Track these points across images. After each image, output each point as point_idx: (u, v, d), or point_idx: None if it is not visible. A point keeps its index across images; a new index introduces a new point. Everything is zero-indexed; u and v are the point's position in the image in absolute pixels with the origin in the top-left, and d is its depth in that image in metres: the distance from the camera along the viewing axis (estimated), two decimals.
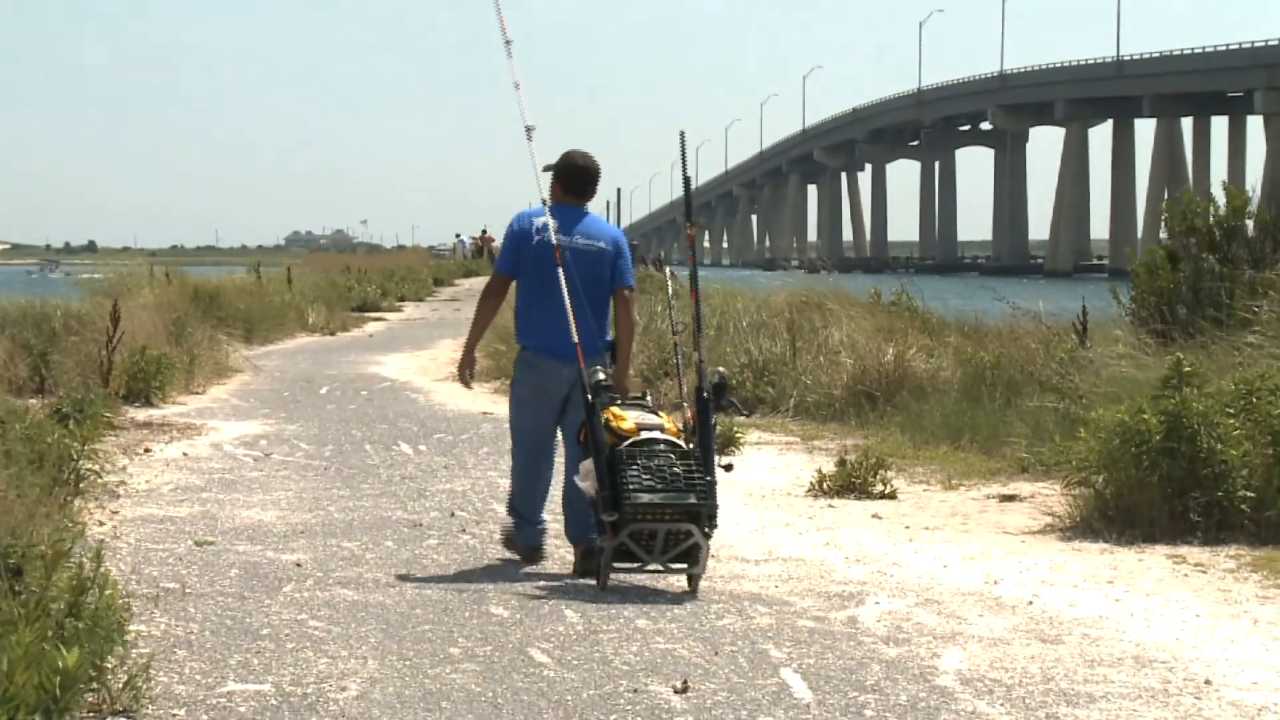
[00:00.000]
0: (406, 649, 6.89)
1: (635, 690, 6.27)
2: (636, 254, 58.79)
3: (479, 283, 53.80)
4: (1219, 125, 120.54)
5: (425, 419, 16.33)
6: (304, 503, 10.95)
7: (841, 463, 11.67)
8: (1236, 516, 9.49)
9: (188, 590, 8.00)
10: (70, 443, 10.29)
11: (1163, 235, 15.05)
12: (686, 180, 9.00)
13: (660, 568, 8.25)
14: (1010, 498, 11.20)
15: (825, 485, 11.50)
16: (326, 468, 12.77)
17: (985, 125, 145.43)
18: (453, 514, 10.49)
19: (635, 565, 8.25)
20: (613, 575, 8.30)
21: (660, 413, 8.66)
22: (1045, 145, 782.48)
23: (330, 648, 6.89)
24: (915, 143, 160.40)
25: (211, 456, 13.34)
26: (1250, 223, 14.63)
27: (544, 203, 9.05)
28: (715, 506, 8.23)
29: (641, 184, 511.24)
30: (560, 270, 8.75)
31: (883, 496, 11.31)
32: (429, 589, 8.13)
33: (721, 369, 9.21)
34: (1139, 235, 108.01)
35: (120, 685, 5.83)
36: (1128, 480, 9.69)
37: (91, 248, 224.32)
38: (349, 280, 43.03)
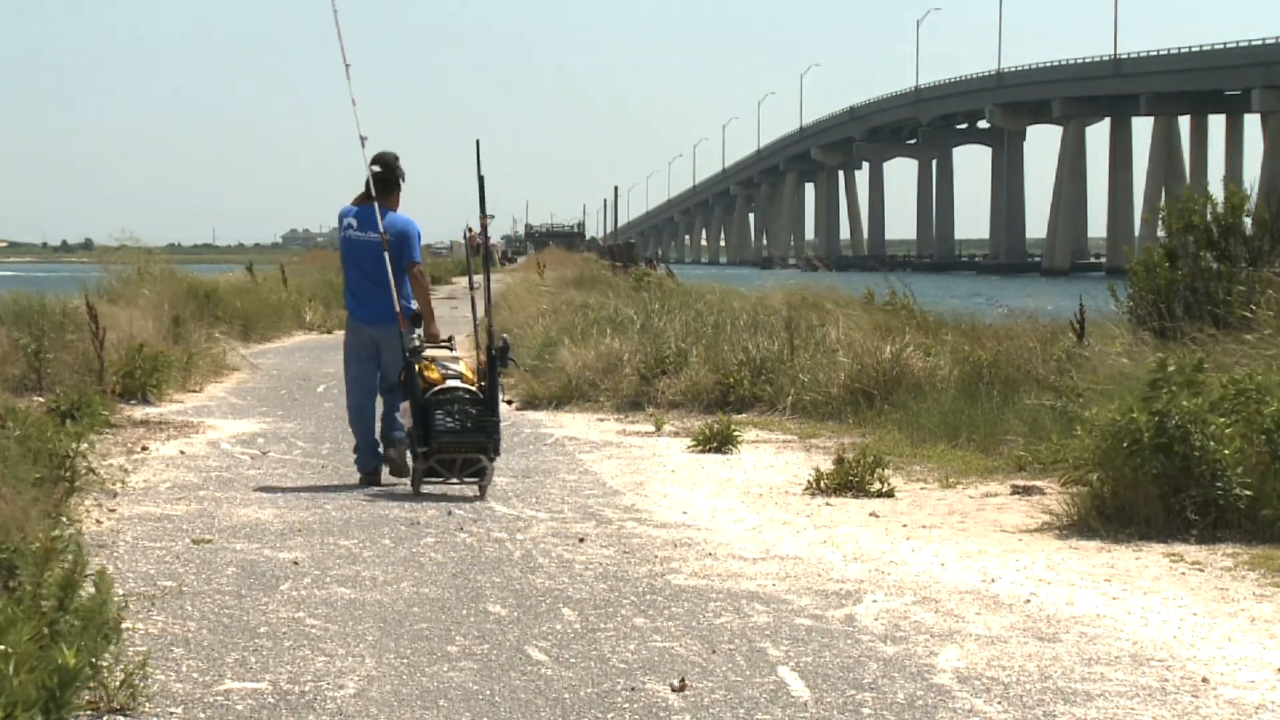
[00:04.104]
0: (404, 647, 6.89)
1: (633, 689, 6.26)
2: (634, 253, 59.08)
3: (478, 280, 53.79)
4: (1216, 123, 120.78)
5: None
6: (301, 501, 10.95)
7: (839, 461, 11.66)
8: (1233, 515, 9.49)
9: (185, 588, 8.00)
10: (67, 440, 10.27)
11: (1160, 233, 15.04)
12: (481, 180, 11.73)
13: (458, 481, 11.27)
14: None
15: (823, 483, 11.49)
16: (324, 465, 12.77)
17: (983, 124, 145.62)
18: (450, 512, 10.49)
19: (440, 480, 11.29)
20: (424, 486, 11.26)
21: (461, 360, 11.65)
22: (1043, 143, 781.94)
23: (327, 646, 6.89)
24: (913, 141, 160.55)
25: (209, 454, 13.34)
26: (1248, 220, 14.62)
27: (373, 201, 11.80)
28: (499, 440, 11.36)
29: (639, 182, 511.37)
30: (355, 253, 11.79)
31: (880, 495, 11.30)
32: (426, 587, 8.13)
33: (506, 334, 12.13)
34: (1136, 233, 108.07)
35: (117, 683, 5.82)
36: (1124, 478, 9.68)
37: (88, 245, 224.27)
38: None
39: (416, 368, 11.39)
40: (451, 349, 11.79)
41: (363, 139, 11.69)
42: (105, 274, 25.49)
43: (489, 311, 11.71)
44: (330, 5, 11.90)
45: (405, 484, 11.60)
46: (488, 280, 11.84)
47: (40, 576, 5.78)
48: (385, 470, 11.82)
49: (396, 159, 11.94)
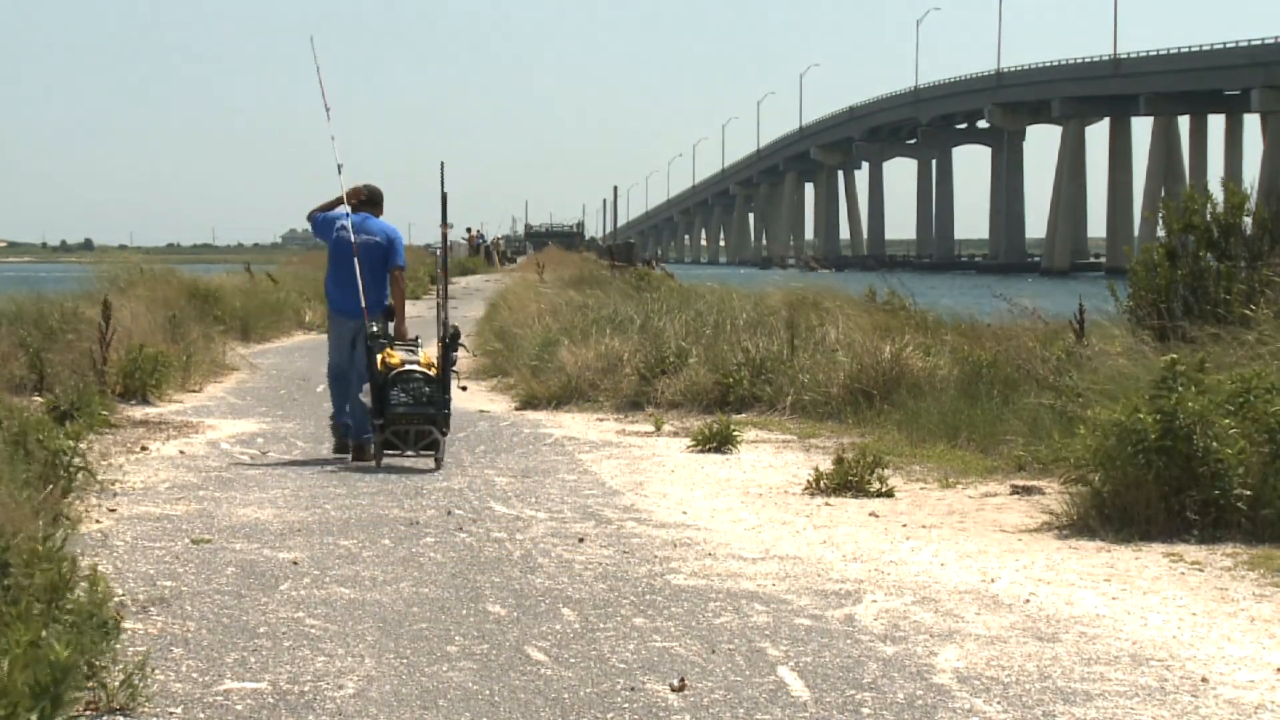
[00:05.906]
0: (403, 647, 6.89)
1: (632, 688, 6.26)
2: (633, 253, 59.05)
3: (476, 280, 53.95)
4: (1216, 123, 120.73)
5: None
6: (300, 501, 10.95)
7: (839, 461, 11.66)
8: (1233, 515, 9.48)
9: (184, 588, 8.00)
10: (66, 440, 10.27)
11: (1160, 233, 15.02)
12: (444, 196, 13.70)
13: (414, 453, 12.61)
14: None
15: (822, 483, 11.49)
16: (324, 466, 12.76)
17: (982, 123, 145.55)
18: (449, 512, 10.49)
19: (397, 452, 12.62)
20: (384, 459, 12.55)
21: (423, 352, 12.89)
22: (1042, 143, 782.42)
23: (327, 646, 6.89)
24: (912, 141, 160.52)
25: (208, 454, 13.34)
26: (1248, 220, 14.60)
27: (364, 209, 13.36)
28: (449, 415, 12.69)
29: (639, 182, 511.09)
30: (346, 253, 13.11)
31: (880, 495, 11.30)
32: (426, 587, 8.12)
33: (456, 324, 13.31)
34: (1136, 233, 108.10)
35: (117, 683, 5.82)
36: (1124, 478, 9.67)
37: (88, 245, 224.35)
38: None
39: (379, 355, 12.68)
40: (416, 349, 13.02)
41: (339, 166, 13.45)
42: (105, 273, 25.49)
43: (444, 305, 13.16)
44: (312, 55, 13.69)
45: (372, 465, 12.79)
46: (445, 279, 13.50)
47: (28, 578, 5.77)
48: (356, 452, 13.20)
49: (380, 193, 13.62)
